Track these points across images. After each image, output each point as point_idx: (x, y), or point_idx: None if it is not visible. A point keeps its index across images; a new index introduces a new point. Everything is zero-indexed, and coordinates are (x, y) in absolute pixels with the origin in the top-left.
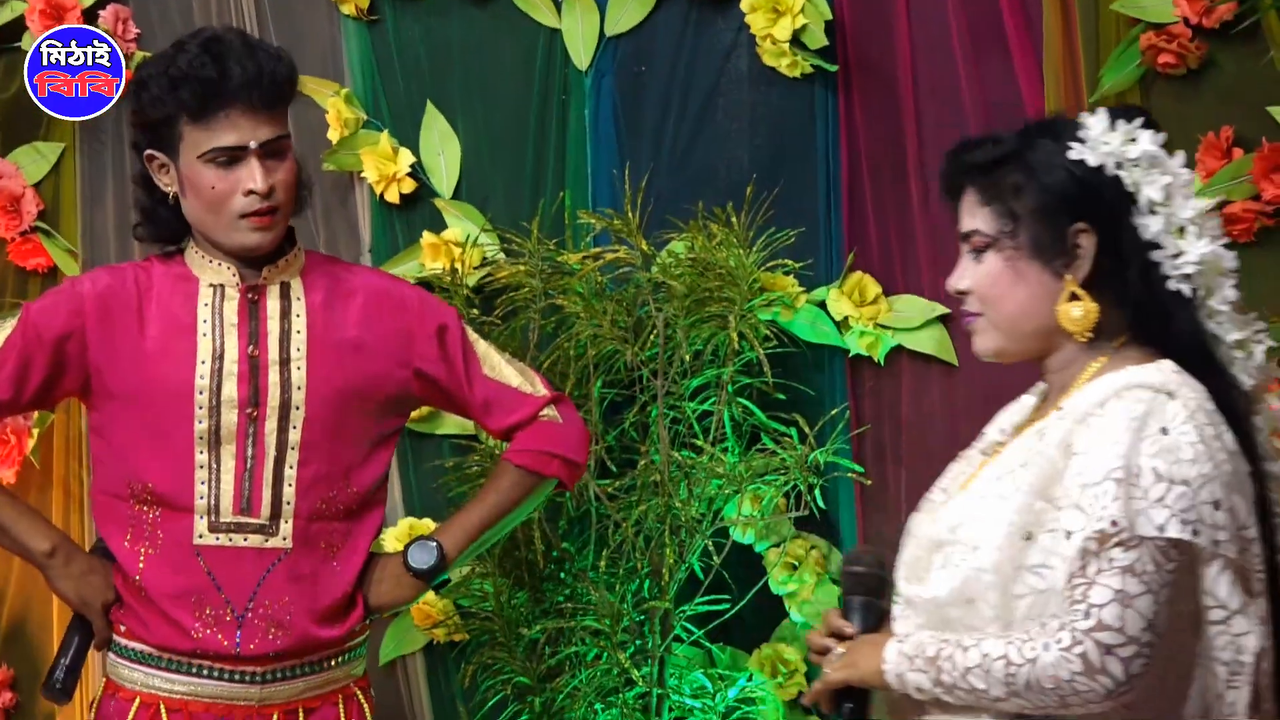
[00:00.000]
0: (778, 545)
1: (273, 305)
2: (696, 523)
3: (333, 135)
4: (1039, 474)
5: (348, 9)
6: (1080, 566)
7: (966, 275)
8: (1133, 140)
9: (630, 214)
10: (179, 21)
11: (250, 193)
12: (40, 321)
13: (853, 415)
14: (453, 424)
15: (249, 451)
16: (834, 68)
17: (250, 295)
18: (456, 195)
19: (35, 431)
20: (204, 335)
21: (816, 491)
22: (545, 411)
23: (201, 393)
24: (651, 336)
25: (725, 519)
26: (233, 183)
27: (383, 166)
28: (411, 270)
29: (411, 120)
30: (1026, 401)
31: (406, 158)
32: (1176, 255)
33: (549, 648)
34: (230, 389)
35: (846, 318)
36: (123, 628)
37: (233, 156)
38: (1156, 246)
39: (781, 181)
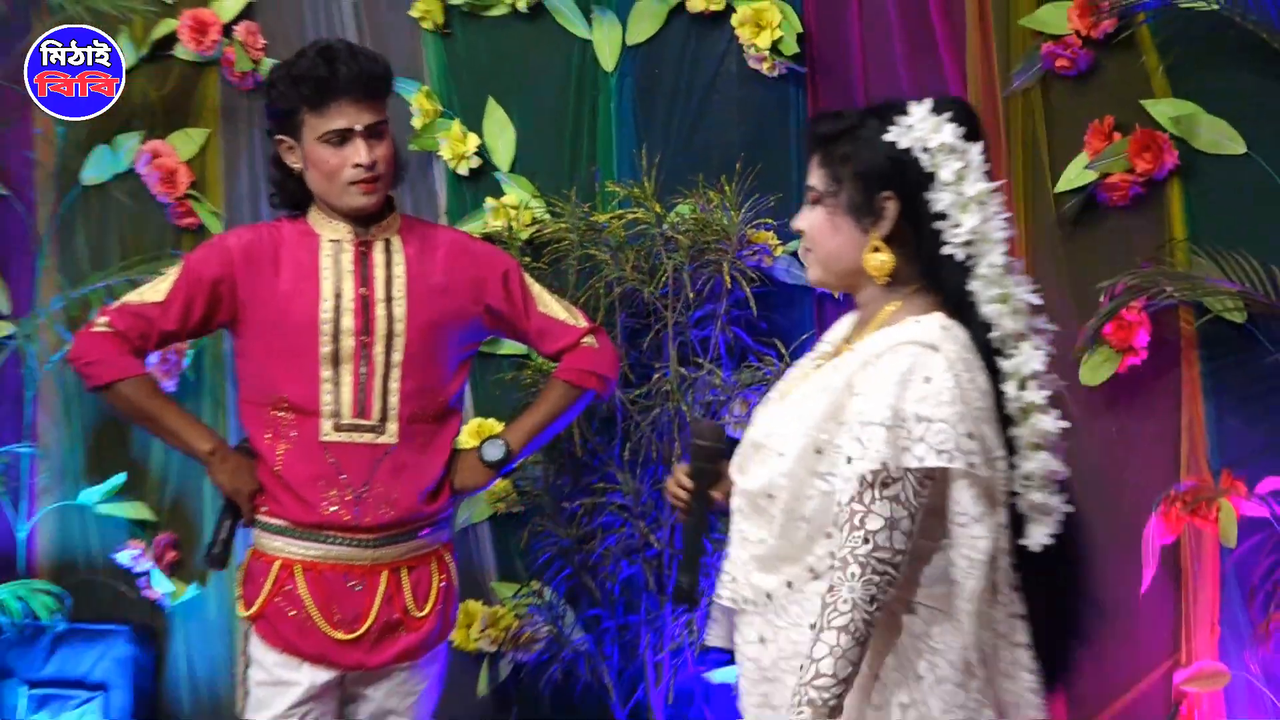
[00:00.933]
0: None
1: (379, 256)
2: (699, 421)
3: (417, 123)
4: (830, 403)
5: (427, 25)
6: (858, 493)
7: (802, 219)
8: (937, 130)
9: (646, 183)
10: (295, 35)
11: (357, 165)
12: (198, 269)
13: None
14: (510, 346)
15: (362, 369)
16: (804, 69)
17: (361, 248)
18: (512, 169)
19: (190, 352)
20: (325, 279)
21: None
22: (585, 339)
23: (325, 324)
24: (663, 278)
25: (722, 419)
26: (344, 158)
27: (455, 147)
28: (477, 228)
29: (477, 111)
30: (848, 319)
31: (473, 140)
32: (956, 226)
33: (585, 518)
34: (347, 321)
35: None
36: (264, 508)
37: (343, 137)
38: (943, 217)
39: (762, 160)
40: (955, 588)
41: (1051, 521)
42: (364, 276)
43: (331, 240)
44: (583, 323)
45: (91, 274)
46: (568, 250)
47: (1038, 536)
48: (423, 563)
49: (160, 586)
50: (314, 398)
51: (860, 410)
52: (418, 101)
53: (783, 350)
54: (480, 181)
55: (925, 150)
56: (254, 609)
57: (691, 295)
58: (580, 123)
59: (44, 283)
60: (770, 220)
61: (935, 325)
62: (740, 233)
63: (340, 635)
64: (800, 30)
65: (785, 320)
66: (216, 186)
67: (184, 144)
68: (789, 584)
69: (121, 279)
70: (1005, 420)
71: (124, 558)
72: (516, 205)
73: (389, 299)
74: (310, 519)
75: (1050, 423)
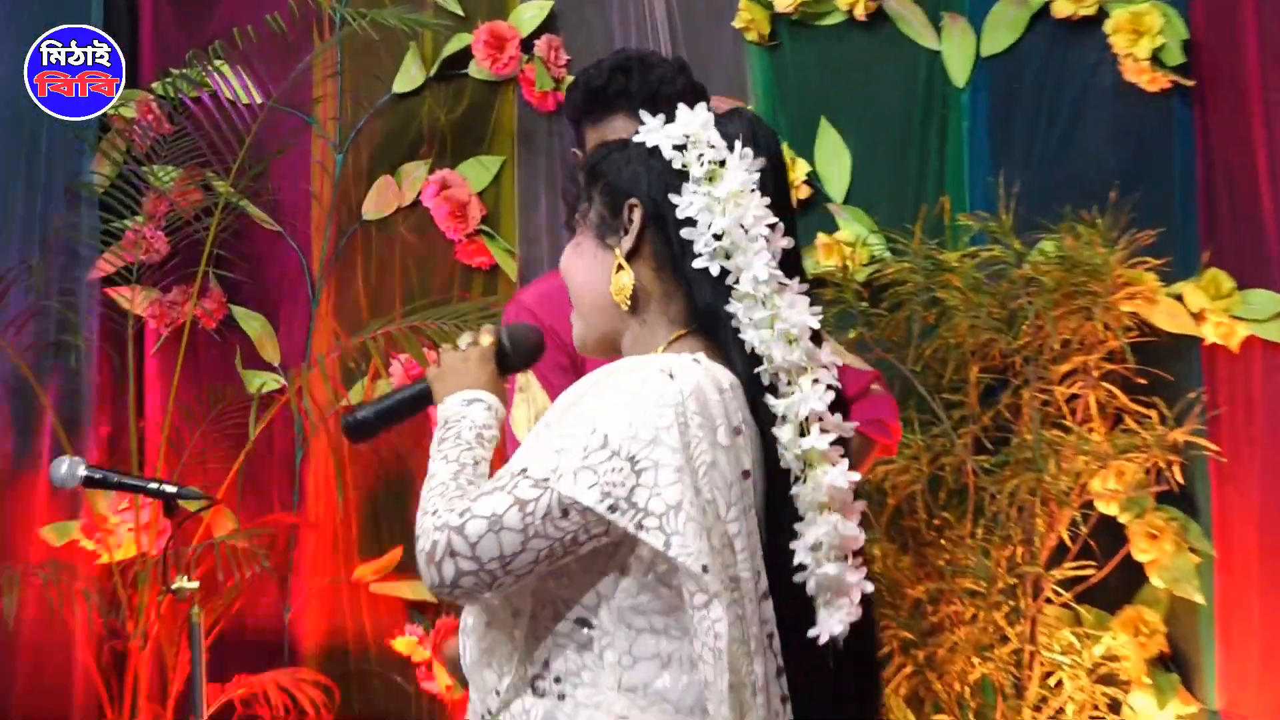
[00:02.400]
0: (1139, 516)
1: None
2: (1065, 495)
3: None
4: (560, 405)
5: (751, 35)
6: (444, 475)
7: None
8: (689, 124)
9: (1004, 216)
10: (602, 49)
11: None
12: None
13: (1208, 399)
14: None
15: None
16: (1190, 82)
17: None
18: (847, 200)
19: None
20: None
21: (1175, 468)
22: (874, 385)
23: None
24: (1023, 326)
25: (1091, 492)
26: None
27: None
28: (807, 267)
29: (806, 134)
30: None
31: (803, 167)
32: (708, 229)
33: (930, 606)
34: None
35: (1202, 310)
36: None
37: None
38: (693, 224)
39: (1142, 187)
40: (703, 687)
41: (847, 605)
42: None
43: None
44: (868, 369)
45: (371, 320)
46: (911, 294)
47: (830, 625)
48: None
49: (442, 679)
50: None
51: (572, 416)
52: None
53: (1165, 410)
54: (810, 214)
55: (676, 148)
56: None
57: (1057, 346)
58: (926, 146)
59: (318, 329)
60: (1150, 259)
61: (689, 357)
62: (1115, 273)
63: None
64: (1185, 36)
65: (1169, 375)
66: (511, 221)
67: (476, 173)
68: None
69: (404, 325)
70: (784, 477)
71: (401, 645)
72: (852, 242)
73: None
74: None
75: (840, 476)
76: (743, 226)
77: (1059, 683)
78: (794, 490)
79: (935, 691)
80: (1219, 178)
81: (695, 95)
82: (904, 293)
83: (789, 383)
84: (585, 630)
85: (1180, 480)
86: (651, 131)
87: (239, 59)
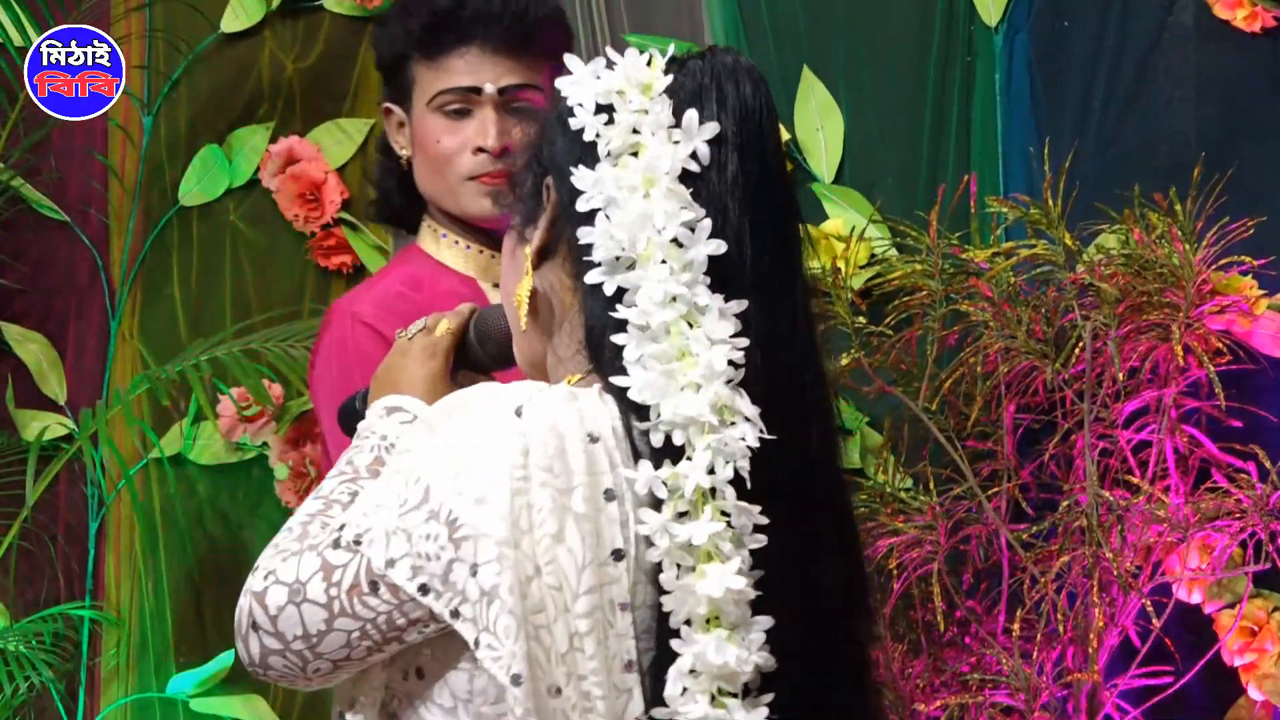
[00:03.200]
0: (1232, 606)
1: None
2: (1132, 577)
3: None
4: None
5: None
6: (298, 519)
7: None
8: (609, 73)
9: (1050, 201)
10: None
11: (480, 150)
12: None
13: None
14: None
15: None
16: None
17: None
18: (838, 180)
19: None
20: None
21: None
22: None
23: None
24: (1076, 350)
25: (1167, 573)
26: (462, 139)
27: None
28: None
29: (785, 91)
30: None
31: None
32: (605, 230)
33: None
34: None
35: None
36: None
37: (464, 105)
38: (590, 220)
39: (1236, 161)
40: None
41: None
42: None
43: (495, 285)
44: None
45: (192, 341)
46: (925, 305)
47: None
48: None
49: None
50: None
51: (404, 447)
52: None
53: (1266, 463)
54: None
55: (600, 109)
56: None
57: (1121, 376)
58: (945, 106)
59: (120, 354)
60: (1248, 258)
61: (564, 390)
62: (1199, 277)
63: None
64: None
65: (1273, 416)
66: None
67: (335, 142)
68: None
69: (234, 348)
70: (655, 572)
71: None
72: (845, 236)
73: None
74: None
75: (716, 585)
76: (651, 224)
77: None
78: (661, 598)
79: None
80: None
81: (561, 19)
82: (916, 304)
83: (682, 445)
84: None
85: None
86: (577, 83)
87: None
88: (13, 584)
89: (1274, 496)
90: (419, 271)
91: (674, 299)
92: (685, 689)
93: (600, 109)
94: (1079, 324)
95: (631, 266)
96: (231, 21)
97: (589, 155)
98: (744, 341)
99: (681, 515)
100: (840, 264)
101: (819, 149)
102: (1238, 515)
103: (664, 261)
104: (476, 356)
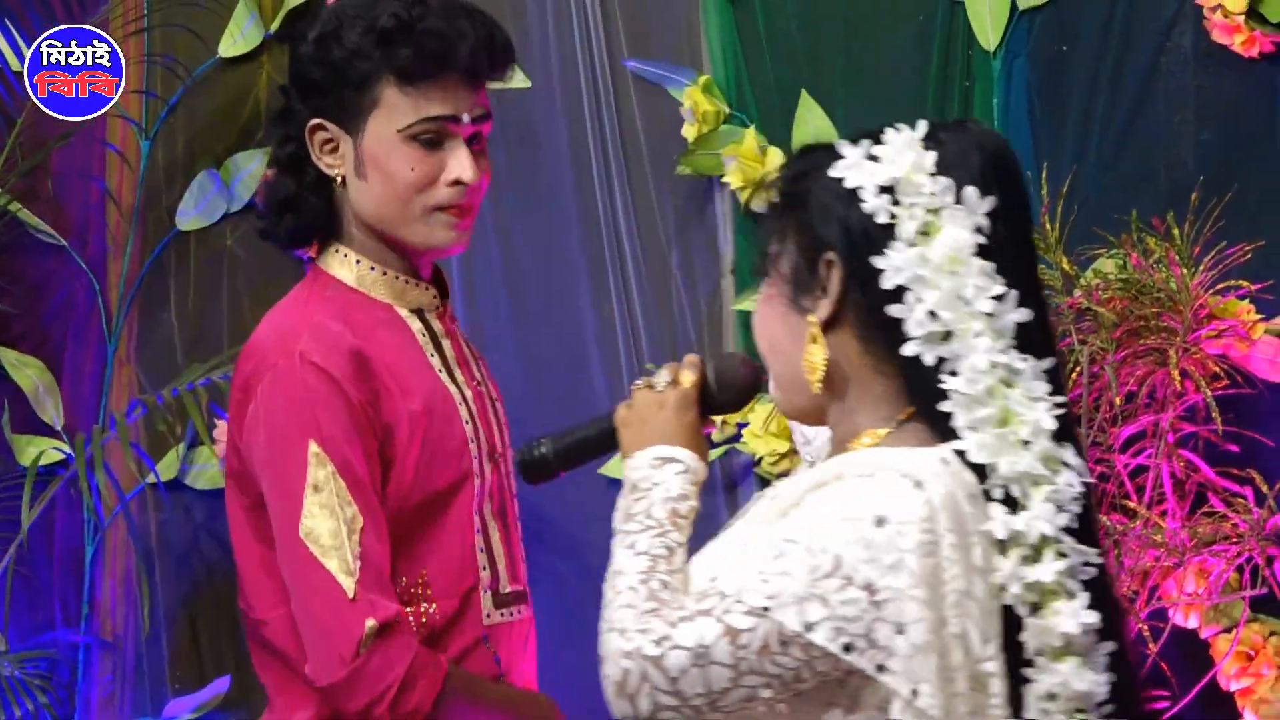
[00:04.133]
0: (1228, 630)
1: (439, 326)
2: (1129, 601)
3: (688, 133)
4: (769, 506)
5: None
6: (701, 591)
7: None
8: (900, 159)
9: (1048, 225)
10: None
11: (457, 183)
12: (343, 444)
13: None
14: None
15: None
16: None
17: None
18: None
19: None
20: (446, 378)
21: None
22: None
23: (472, 451)
24: (1074, 374)
25: (1164, 598)
26: (436, 167)
27: (748, 169)
28: None
29: (783, 113)
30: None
31: (776, 158)
32: (919, 303)
33: None
34: (484, 440)
35: None
36: None
37: (439, 134)
38: (900, 295)
39: (1234, 186)
40: None
41: None
42: (464, 361)
43: (412, 311)
44: None
45: (187, 366)
46: None
47: None
48: None
49: None
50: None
51: (788, 519)
52: (692, 98)
53: (1264, 488)
54: None
55: (883, 191)
56: None
57: (1119, 401)
58: None
59: (117, 379)
60: (1244, 283)
61: (936, 455)
62: (1197, 302)
63: None
64: None
65: (1269, 440)
66: None
67: None
68: None
69: (231, 373)
70: (1006, 612)
71: None
72: None
73: (494, 397)
74: None
75: (1071, 621)
76: (962, 299)
77: None
78: (1021, 635)
79: None
80: None
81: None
82: None
83: (1021, 497)
84: None
85: None
86: (853, 168)
87: (4, 11)
88: (8, 609)
89: (1270, 521)
90: (341, 302)
91: (993, 365)
92: (1045, 711)
93: (883, 191)
94: (1076, 348)
95: (945, 337)
96: (229, 47)
97: (879, 236)
98: (1062, 398)
99: (1024, 559)
100: None
101: None
102: (1234, 540)
103: (980, 334)
104: (713, 404)
